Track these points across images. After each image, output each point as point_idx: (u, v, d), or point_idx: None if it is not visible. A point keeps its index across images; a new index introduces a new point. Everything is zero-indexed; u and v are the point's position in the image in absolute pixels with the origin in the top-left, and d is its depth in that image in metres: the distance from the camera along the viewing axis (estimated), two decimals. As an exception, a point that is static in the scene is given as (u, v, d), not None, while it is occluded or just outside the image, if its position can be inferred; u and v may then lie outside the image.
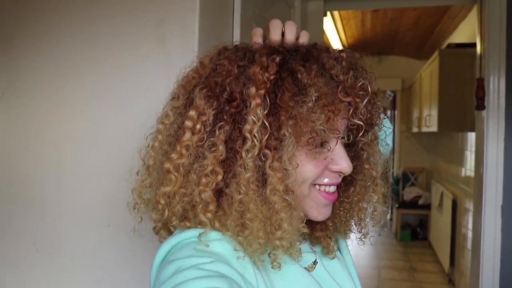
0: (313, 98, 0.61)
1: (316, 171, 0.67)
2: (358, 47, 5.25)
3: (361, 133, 0.70)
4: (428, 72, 4.47)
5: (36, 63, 1.23)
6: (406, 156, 6.44)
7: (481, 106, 2.18)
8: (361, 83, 0.65)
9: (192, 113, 0.63)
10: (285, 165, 0.62)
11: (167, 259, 0.61)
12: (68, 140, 1.21)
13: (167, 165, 0.63)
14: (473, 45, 2.45)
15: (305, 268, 0.71)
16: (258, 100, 0.60)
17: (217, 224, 0.63)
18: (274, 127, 0.61)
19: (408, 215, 5.94)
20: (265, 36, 0.70)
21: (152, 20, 1.15)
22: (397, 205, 5.87)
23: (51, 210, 1.23)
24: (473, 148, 3.19)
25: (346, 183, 0.76)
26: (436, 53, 3.94)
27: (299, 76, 0.61)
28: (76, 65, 1.20)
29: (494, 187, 2.16)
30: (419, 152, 6.24)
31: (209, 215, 0.62)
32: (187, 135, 0.62)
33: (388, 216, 6.77)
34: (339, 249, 0.84)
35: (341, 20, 4.21)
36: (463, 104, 3.59)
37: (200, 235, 0.61)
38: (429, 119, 4.34)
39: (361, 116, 0.66)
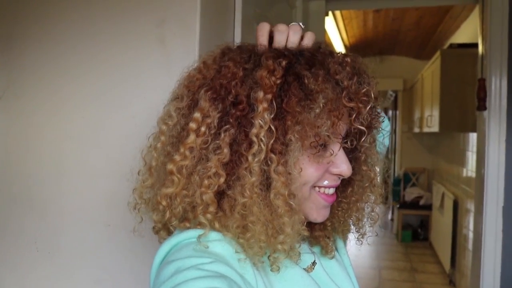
0: (321, 105, 0.61)
1: (317, 174, 0.67)
2: (359, 47, 5.25)
3: (363, 138, 0.70)
4: (429, 72, 4.47)
5: (36, 62, 1.23)
6: (407, 157, 6.44)
7: (482, 106, 2.17)
8: (365, 89, 0.65)
9: (197, 115, 0.62)
10: (290, 170, 0.62)
11: (166, 259, 0.61)
12: (68, 139, 1.21)
13: (170, 166, 0.63)
14: (475, 45, 2.44)
15: (304, 269, 0.71)
16: (265, 105, 0.60)
17: (217, 225, 0.63)
18: (280, 131, 0.61)
19: (409, 216, 5.94)
20: (272, 32, 0.70)
21: (153, 20, 1.14)
22: (398, 206, 5.86)
23: (51, 209, 1.23)
24: (475, 149, 3.19)
25: (344, 184, 0.76)
26: (437, 53, 3.94)
27: (306, 81, 0.62)
28: (77, 65, 1.20)
29: (495, 188, 2.16)
30: (420, 152, 6.24)
31: (209, 216, 0.62)
32: (192, 137, 0.62)
33: (389, 217, 6.77)
34: (337, 249, 0.84)
35: (343, 20, 4.21)
36: (464, 105, 3.58)
37: (199, 236, 0.61)
38: (431, 120, 4.33)
39: (363, 121, 0.67)
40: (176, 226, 0.67)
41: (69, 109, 1.21)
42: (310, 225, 0.76)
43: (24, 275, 1.25)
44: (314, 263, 0.74)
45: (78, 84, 1.20)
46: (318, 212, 0.71)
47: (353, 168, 0.71)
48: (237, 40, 1.39)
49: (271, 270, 0.64)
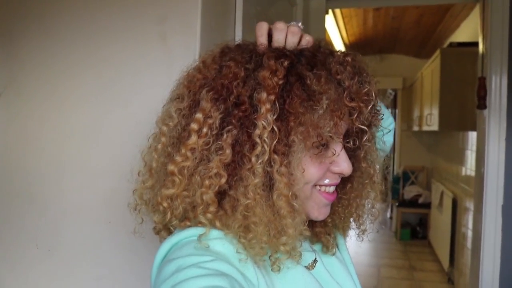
0: (324, 106, 0.61)
1: (319, 174, 0.68)
2: (359, 45, 5.25)
3: (365, 137, 0.71)
4: (429, 71, 4.47)
5: (37, 59, 1.22)
6: (407, 155, 6.44)
7: (482, 105, 2.17)
8: (366, 89, 0.66)
9: (198, 115, 0.62)
10: (292, 170, 0.62)
11: (167, 257, 0.61)
12: (69, 136, 1.21)
13: (171, 167, 0.63)
14: (475, 44, 2.44)
15: (305, 267, 0.72)
16: (268, 106, 0.60)
17: (217, 224, 0.63)
18: (283, 132, 0.61)
19: (408, 214, 5.94)
20: (270, 30, 0.70)
21: (154, 17, 1.14)
22: (397, 204, 5.87)
23: (51, 206, 1.23)
24: (474, 148, 3.19)
25: (343, 181, 0.77)
26: (437, 52, 3.94)
27: (308, 82, 0.62)
28: (77, 62, 1.20)
29: (495, 186, 2.16)
30: (420, 151, 6.24)
31: (209, 215, 0.62)
32: (193, 138, 0.62)
33: (388, 215, 6.78)
34: (337, 246, 0.84)
35: (343, 18, 4.20)
36: (464, 103, 3.59)
37: (200, 235, 0.61)
38: (430, 118, 4.33)
39: (364, 121, 0.67)
40: (177, 226, 0.67)
41: (70, 106, 1.21)
42: (311, 221, 0.76)
43: (25, 272, 1.25)
44: (315, 261, 0.74)
45: (78, 81, 1.20)
46: (320, 211, 0.71)
47: (352, 165, 0.71)
48: (238, 38, 1.39)
49: (271, 270, 0.64)
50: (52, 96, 1.22)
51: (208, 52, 0.71)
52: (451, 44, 3.92)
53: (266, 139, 0.60)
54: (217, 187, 0.61)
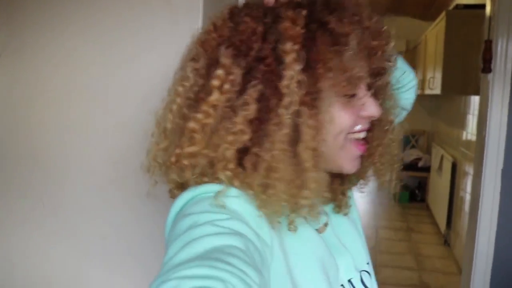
0: (354, 47, 0.60)
1: (351, 120, 0.67)
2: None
3: (385, 78, 0.71)
4: (434, 34, 4.40)
5: (37, 18, 1.20)
6: (408, 118, 6.18)
7: (487, 68, 2.16)
8: (384, 27, 0.66)
9: (219, 72, 0.61)
10: (322, 121, 0.61)
11: (183, 211, 0.61)
12: (72, 97, 1.21)
13: (192, 125, 0.62)
14: (482, 6, 2.40)
15: (315, 230, 0.71)
16: (294, 55, 0.59)
17: (236, 182, 0.62)
18: (311, 82, 0.60)
19: (407, 177, 6.00)
20: None
21: (157, -25, 1.12)
22: (396, 167, 5.91)
23: (56, 166, 1.24)
24: (476, 112, 3.19)
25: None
26: (443, 14, 3.87)
27: (332, 26, 0.61)
28: (79, 20, 1.18)
29: (495, 150, 2.18)
30: (421, 114, 6.23)
31: (228, 173, 0.61)
32: (215, 94, 0.61)
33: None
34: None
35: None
36: (468, 67, 3.55)
37: (217, 193, 0.60)
38: (433, 82, 4.31)
39: (385, 60, 0.67)
40: (193, 184, 0.66)
41: (72, 66, 1.20)
42: (332, 178, 0.75)
43: (32, 230, 1.28)
44: (325, 225, 0.74)
45: (81, 41, 1.18)
46: (352, 163, 0.71)
47: None
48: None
49: (288, 230, 0.64)
50: (55, 56, 1.21)
51: (217, 14, 0.69)
52: (457, 6, 3.85)
53: (294, 89, 0.59)
54: (239, 144, 0.60)
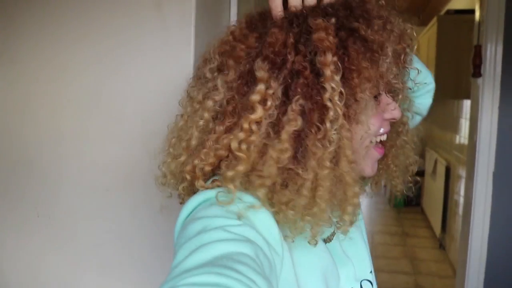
0: (390, 54, 0.59)
1: (379, 124, 0.66)
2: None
3: (402, 78, 0.69)
4: (426, 38, 4.44)
5: (32, 28, 1.22)
6: None
7: (477, 73, 2.18)
8: (409, 29, 0.65)
9: (260, 87, 0.58)
10: (359, 132, 0.60)
11: (193, 214, 0.58)
12: (66, 105, 1.22)
13: (235, 144, 0.58)
14: (472, 11, 2.43)
15: (323, 239, 0.70)
16: (332, 67, 0.57)
17: (270, 198, 0.59)
18: (348, 92, 0.58)
19: (402, 181, 5.98)
20: None
21: (149, -16, 1.13)
22: (391, 172, 5.91)
23: (51, 175, 1.24)
24: (468, 116, 3.21)
25: None
26: (434, 19, 3.91)
27: (363, 33, 0.59)
28: (74, 30, 1.19)
29: (486, 154, 2.19)
30: (415, 119, 6.23)
31: (264, 190, 0.58)
32: (259, 110, 0.57)
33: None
34: None
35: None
36: (460, 71, 3.59)
37: (247, 207, 0.57)
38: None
39: (409, 62, 0.66)
40: (203, 187, 0.63)
41: (67, 74, 1.21)
42: None
43: (25, 240, 1.28)
44: (333, 234, 0.73)
45: (75, 49, 1.19)
46: (372, 167, 0.70)
47: None
48: (234, 4, 1.38)
49: (309, 243, 0.62)
50: (49, 64, 1.22)
51: (235, 24, 0.67)
52: (448, 12, 3.89)
53: (337, 102, 0.57)
54: (284, 161, 0.57)
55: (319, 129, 0.57)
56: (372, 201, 5.89)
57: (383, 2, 0.64)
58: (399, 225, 5.19)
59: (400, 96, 0.73)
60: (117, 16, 1.16)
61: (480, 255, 2.25)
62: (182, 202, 0.70)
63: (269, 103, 0.57)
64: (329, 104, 0.57)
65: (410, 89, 0.78)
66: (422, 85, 0.88)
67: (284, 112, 0.58)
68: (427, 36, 4.37)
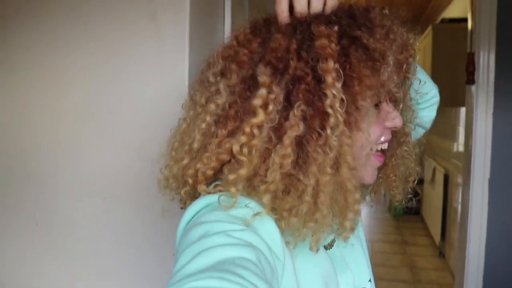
0: (391, 62, 0.60)
1: (380, 132, 0.67)
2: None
3: (404, 87, 0.70)
4: (421, 47, 4.47)
5: (29, 40, 1.23)
6: None
7: (471, 80, 2.20)
8: (412, 39, 0.65)
9: (262, 91, 0.58)
10: (360, 139, 0.61)
11: (195, 219, 0.58)
12: (63, 114, 1.23)
13: (236, 147, 0.59)
14: (467, 20, 2.46)
15: (324, 246, 0.71)
16: (334, 74, 0.57)
17: (273, 204, 0.59)
18: (349, 99, 0.58)
19: (401, 190, 5.97)
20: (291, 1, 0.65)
21: (143, -4, 1.15)
22: (390, 180, 5.90)
23: (49, 184, 1.24)
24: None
25: None
26: (429, 28, 3.95)
27: (365, 41, 0.59)
28: (69, 41, 1.21)
29: (482, 161, 2.21)
30: (413, 127, 6.24)
31: (268, 196, 0.58)
32: (260, 114, 0.58)
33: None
34: None
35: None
36: (455, 79, 3.61)
37: (253, 215, 0.57)
38: (422, 95, 4.34)
39: (411, 72, 0.67)
40: (205, 191, 0.63)
41: (63, 84, 1.22)
42: None
43: (24, 249, 1.28)
44: (333, 241, 0.73)
45: (71, 60, 1.21)
46: (372, 174, 0.70)
47: None
48: (228, 15, 1.40)
49: (310, 249, 0.62)
50: (46, 75, 1.23)
51: (239, 29, 0.68)
52: (443, 20, 3.93)
53: (338, 108, 0.57)
54: (286, 166, 0.58)
55: (320, 135, 0.57)
56: (372, 209, 5.88)
57: (387, 11, 0.65)
58: (398, 233, 5.18)
59: (402, 105, 0.74)
60: (113, 27, 1.17)
61: (478, 261, 2.25)
62: (184, 207, 0.71)
63: (270, 107, 0.58)
64: (330, 110, 0.57)
65: (414, 99, 0.79)
66: (425, 95, 0.89)
67: (286, 117, 0.58)
68: (422, 44, 4.41)
